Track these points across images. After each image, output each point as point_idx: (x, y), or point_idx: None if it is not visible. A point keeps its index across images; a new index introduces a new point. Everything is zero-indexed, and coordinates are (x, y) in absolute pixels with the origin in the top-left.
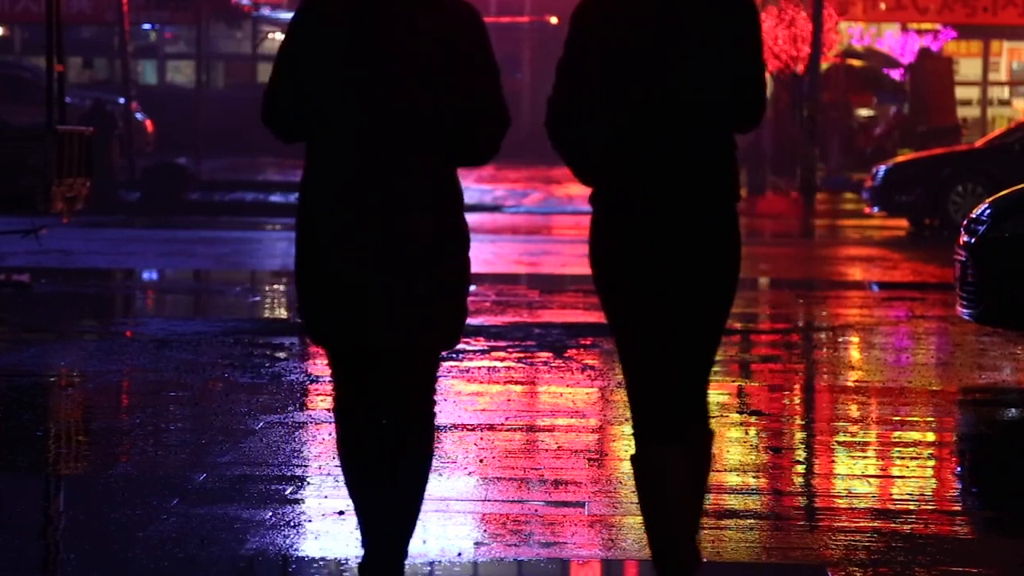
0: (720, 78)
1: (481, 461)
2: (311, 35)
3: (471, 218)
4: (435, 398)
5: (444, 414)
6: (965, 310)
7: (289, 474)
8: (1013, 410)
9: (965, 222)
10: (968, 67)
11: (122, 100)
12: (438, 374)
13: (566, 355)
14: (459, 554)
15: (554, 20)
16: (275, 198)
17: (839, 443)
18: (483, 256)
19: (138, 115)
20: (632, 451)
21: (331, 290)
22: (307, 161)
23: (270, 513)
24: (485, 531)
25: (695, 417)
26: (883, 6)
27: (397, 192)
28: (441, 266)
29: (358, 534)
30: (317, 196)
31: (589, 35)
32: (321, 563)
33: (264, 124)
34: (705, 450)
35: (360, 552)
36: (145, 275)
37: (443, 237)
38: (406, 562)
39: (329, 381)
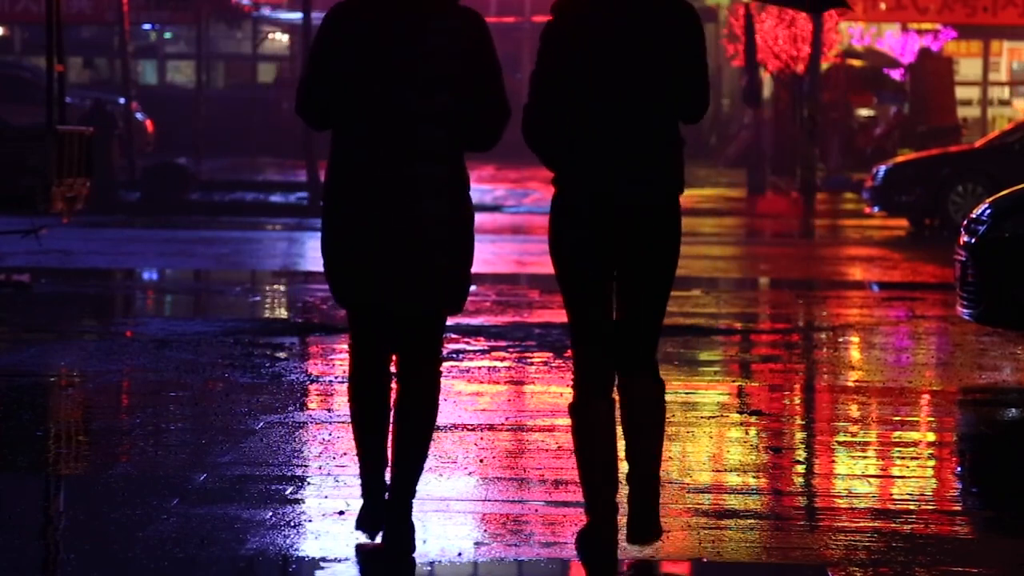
0: (669, 79)
1: (481, 461)
2: (337, 39)
3: None
4: (441, 350)
5: (444, 414)
6: (965, 310)
7: (289, 474)
8: (1013, 410)
9: (965, 222)
10: (968, 67)
11: (122, 100)
12: (444, 334)
13: (566, 355)
14: (459, 554)
15: None
16: (275, 198)
17: (839, 443)
18: (483, 256)
19: (138, 115)
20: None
21: (355, 262)
22: (333, 149)
23: (270, 513)
24: (485, 531)
25: (644, 370)
26: (883, 6)
27: (412, 177)
28: (450, 242)
29: (358, 534)
30: (343, 180)
31: (556, 50)
32: (321, 563)
33: (297, 114)
34: (657, 397)
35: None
36: (145, 275)
37: (451, 216)
38: (408, 562)
39: (329, 382)
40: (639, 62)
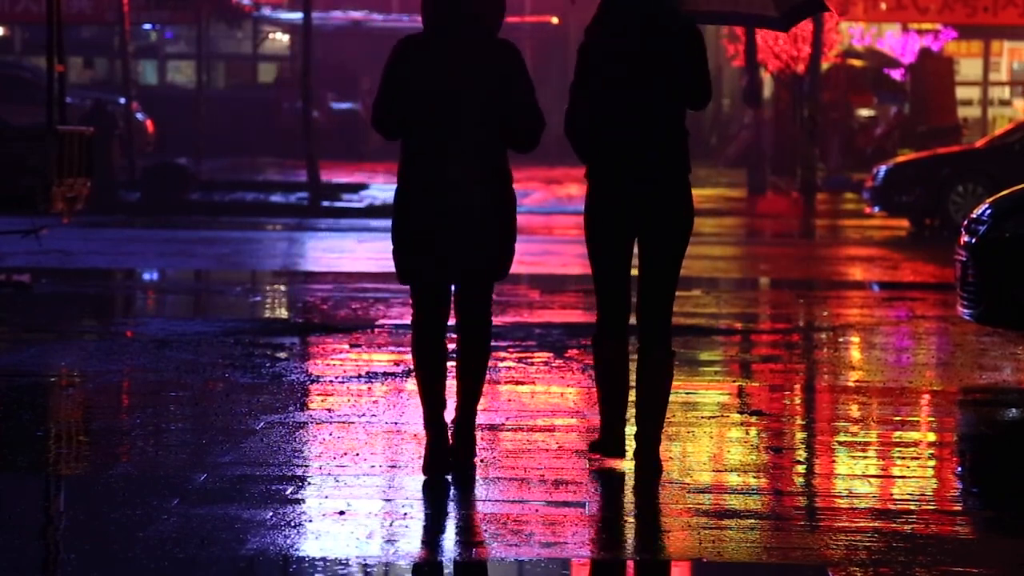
0: (679, 82)
1: (481, 461)
2: (405, 64)
3: None
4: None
5: (445, 414)
6: (965, 310)
7: (289, 474)
8: (1013, 410)
9: (965, 222)
10: (968, 67)
11: (122, 100)
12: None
13: (566, 355)
14: (459, 554)
15: (555, 20)
16: (275, 198)
17: (839, 443)
18: None
19: (138, 115)
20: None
21: (422, 242)
22: (404, 154)
23: (270, 513)
24: (485, 531)
25: (659, 341)
26: (884, 6)
27: (467, 174)
28: (496, 223)
29: (358, 534)
30: (413, 177)
31: (590, 63)
32: (321, 563)
33: (373, 127)
34: (667, 367)
35: (359, 552)
36: (145, 275)
37: (498, 203)
38: (408, 562)
39: (329, 382)
40: (652, 68)
